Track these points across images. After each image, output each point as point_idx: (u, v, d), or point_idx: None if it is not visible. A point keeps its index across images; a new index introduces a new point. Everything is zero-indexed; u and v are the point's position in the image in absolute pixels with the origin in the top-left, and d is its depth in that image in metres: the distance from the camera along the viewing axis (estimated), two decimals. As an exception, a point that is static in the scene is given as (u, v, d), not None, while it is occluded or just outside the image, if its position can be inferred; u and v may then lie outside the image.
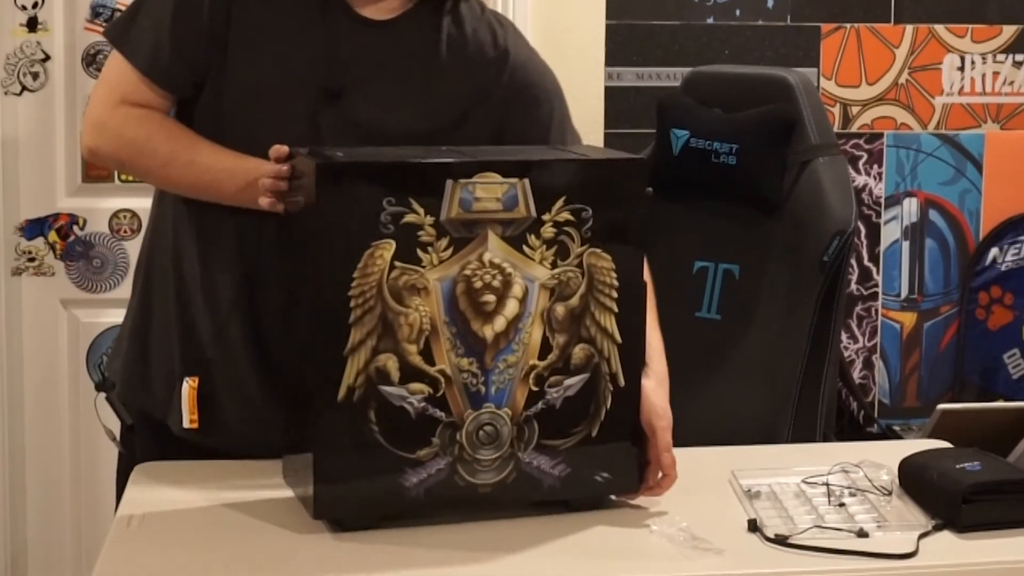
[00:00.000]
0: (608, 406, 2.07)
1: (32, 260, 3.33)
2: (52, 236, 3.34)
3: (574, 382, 2.05)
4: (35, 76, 3.40)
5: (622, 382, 2.07)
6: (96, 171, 3.41)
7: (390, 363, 1.99)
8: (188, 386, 2.32)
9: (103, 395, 2.38)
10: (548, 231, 2.01)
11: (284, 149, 2.08)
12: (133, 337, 2.44)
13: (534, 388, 2.04)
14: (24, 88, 3.40)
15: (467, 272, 2.00)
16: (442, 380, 2.01)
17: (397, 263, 1.97)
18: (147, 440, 2.40)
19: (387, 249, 1.97)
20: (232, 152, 2.27)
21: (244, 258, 2.33)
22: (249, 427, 2.33)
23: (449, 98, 2.38)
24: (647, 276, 2.15)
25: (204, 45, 2.32)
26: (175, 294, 2.38)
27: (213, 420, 2.33)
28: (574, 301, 2.04)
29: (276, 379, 2.29)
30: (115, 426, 2.39)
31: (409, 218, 1.97)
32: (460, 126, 2.37)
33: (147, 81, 2.33)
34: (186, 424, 2.31)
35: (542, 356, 2.04)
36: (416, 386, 2.00)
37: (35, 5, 3.32)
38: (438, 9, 2.36)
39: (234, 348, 2.35)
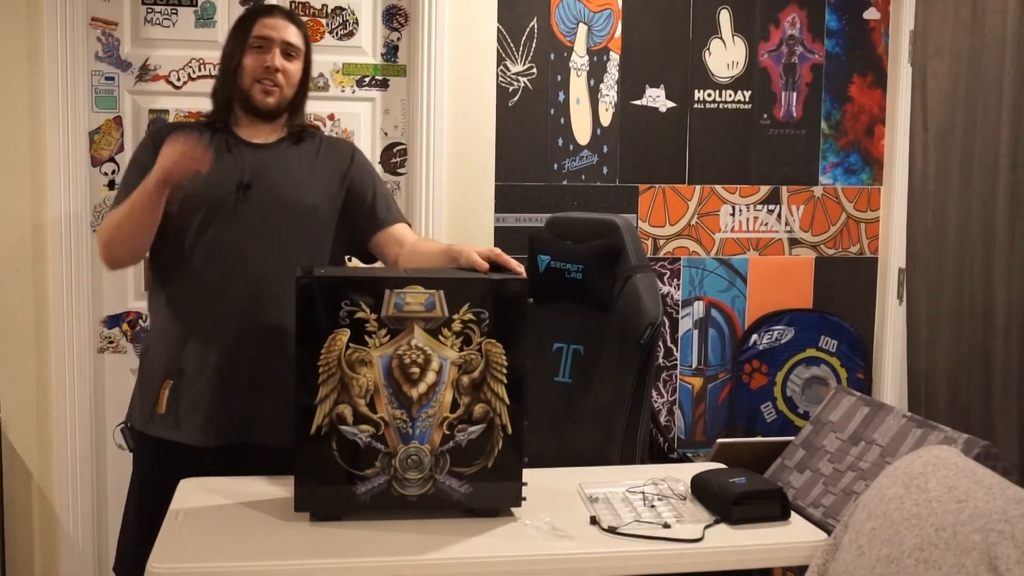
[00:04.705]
0: (500, 447, 2.06)
1: (111, 343, 3.33)
2: (124, 327, 3.34)
3: (475, 429, 2.05)
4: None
5: (510, 431, 2.06)
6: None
7: (346, 410, 1.99)
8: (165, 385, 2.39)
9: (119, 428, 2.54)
10: (457, 326, 2.01)
11: None
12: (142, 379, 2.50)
13: (447, 432, 2.03)
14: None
15: (399, 352, 2.00)
16: (382, 423, 2.00)
17: (351, 344, 1.98)
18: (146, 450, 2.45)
19: (344, 335, 1.98)
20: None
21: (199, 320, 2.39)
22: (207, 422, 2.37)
23: (319, 178, 2.48)
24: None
25: None
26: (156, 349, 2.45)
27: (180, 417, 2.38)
28: (476, 374, 2.03)
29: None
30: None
31: (359, 314, 1.98)
32: (322, 193, 2.47)
33: None
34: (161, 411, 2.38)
35: (452, 410, 2.03)
36: (364, 427, 2.00)
37: (114, 172, 3.30)
38: (298, 138, 2.50)
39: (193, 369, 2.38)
